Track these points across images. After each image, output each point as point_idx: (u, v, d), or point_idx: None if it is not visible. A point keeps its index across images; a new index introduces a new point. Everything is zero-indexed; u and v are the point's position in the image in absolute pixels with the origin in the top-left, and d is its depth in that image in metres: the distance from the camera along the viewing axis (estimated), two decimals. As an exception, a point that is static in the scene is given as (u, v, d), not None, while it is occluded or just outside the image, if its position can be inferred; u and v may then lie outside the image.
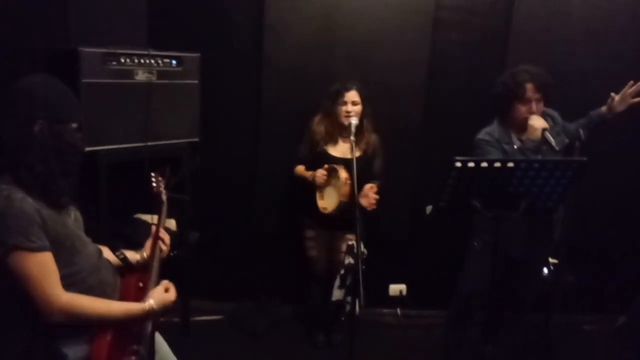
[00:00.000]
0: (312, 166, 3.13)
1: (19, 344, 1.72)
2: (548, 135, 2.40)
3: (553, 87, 2.59)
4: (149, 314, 1.75)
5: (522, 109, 2.57)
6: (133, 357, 1.75)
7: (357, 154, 3.09)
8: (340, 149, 3.17)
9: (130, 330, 1.76)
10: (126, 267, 1.95)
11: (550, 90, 2.59)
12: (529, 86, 2.54)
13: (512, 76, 2.60)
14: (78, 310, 1.61)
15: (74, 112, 1.70)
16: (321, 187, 3.09)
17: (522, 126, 2.60)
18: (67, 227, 1.67)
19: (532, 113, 2.55)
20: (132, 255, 2.02)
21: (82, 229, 1.80)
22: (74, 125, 1.68)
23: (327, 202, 3.09)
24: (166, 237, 2.04)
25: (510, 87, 2.59)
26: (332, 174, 3.06)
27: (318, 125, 3.16)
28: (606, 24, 3.42)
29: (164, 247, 2.02)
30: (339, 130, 3.14)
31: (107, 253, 1.92)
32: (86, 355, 1.66)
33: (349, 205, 2.90)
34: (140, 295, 1.82)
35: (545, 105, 2.63)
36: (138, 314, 1.73)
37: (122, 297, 1.80)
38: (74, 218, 1.76)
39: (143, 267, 1.98)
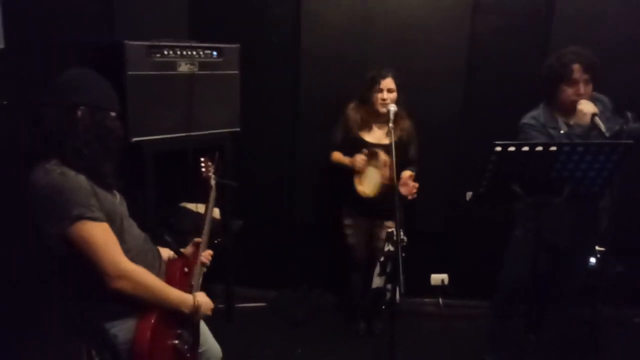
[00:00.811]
0: (348, 152, 3.13)
1: (71, 323, 1.81)
2: (598, 120, 2.30)
3: (600, 69, 2.49)
4: (195, 310, 1.82)
5: (569, 91, 2.48)
6: (176, 341, 1.81)
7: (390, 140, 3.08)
8: (375, 135, 3.16)
9: (174, 315, 1.81)
10: (173, 251, 2.01)
11: (598, 73, 2.49)
12: (576, 67, 2.46)
13: (558, 58, 2.52)
14: (142, 280, 1.68)
15: (113, 101, 1.79)
16: (360, 172, 3.09)
17: (570, 110, 2.51)
18: (115, 205, 1.75)
19: (579, 95, 2.46)
20: (165, 253, 2.05)
21: (127, 213, 1.87)
22: (113, 114, 1.77)
23: (367, 186, 3.09)
24: (207, 255, 2.09)
25: (556, 69, 2.50)
26: (371, 158, 3.06)
27: (353, 112, 3.16)
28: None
29: (206, 261, 2.08)
30: (374, 117, 3.13)
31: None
32: (132, 336, 1.72)
33: (388, 190, 2.90)
34: (184, 280, 1.88)
35: (594, 88, 2.54)
36: (189, 305, 1.81)
37: (168, 279, 1.86)
38: (119, 202, 1.83)
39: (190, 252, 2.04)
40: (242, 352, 3.19)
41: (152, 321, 1.73)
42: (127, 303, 1.69)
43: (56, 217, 1.59)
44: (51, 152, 1.64)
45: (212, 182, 2.18)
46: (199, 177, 2.17)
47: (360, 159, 3.02)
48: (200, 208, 2.17)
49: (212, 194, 2.16)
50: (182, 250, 2.07)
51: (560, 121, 2.57)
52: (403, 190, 2.87)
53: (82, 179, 1.62)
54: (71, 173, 1.61)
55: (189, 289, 1.88)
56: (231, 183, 2.57)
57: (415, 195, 2.88)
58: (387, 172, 2.91)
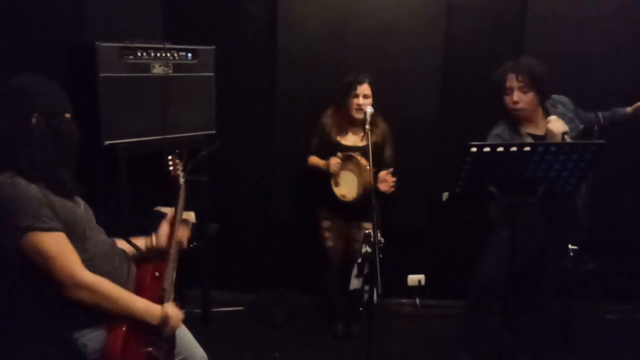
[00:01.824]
0: (325, 157, 3.14)
1: (38, 337, 1.75)
2: (568, 139, 2.37)
3: (544, 75, 2.54)
4: (164, 321, 1.76)
5: (507, 99, 2.58)
6: (150, 348, 1.77)
7: (366, 143, 3.10)
8: (351, 139, 3.18)
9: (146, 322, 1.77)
10: (140, 255, 1.96)
11: (542, 79, 2.54)
12: (511, 76, 2.55)
13: (497, 70, 2.62)
14: (101, 292, 1.63)
15: (66, 103, 1.74)
16: (335, 176, 3.10)
17: (522, 119, 2.58)
18: (76, 214, 1.69)
19: (515, 103, 2.54)
20: (141, 242, 2.03)
21: (92, 219, 1.82)
22: (68, 115, 1.73)
23: (345, 189, 3.10)
24: (184, 234, 2.05)
25: (495, 80, 2.61)
26: (347, 161, 3.07)
27: (328, 118, 3.19)
28: (625, 5, 3.34)
29: (183, 239, 2.04)
30: (349, 122, 3.15)
31: (121, 244, 1.93)
32: (103, 345, 1.68)
33: (367, 192, 2.91)
34: (156, 285, 1.84)
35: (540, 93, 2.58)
36: (155, 315, 1.75)
37: (138, 285, 1.82)
38: (83, 209, 1.78)
39: (160, 255, 1.99)
40: (220, 356, 3.14)
41: (124, 329, 1.68)
42: (95, 312, 1.65)
43: (7, 229, 1.55)
44: (6, 163, 1.60)
45: (181, 180, 2.13)
46: (167, 175, 2.12)
47: (335, 162, 3.03)
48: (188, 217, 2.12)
49: (182, 193, 2.12)
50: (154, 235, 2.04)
51: (524, 133, 2.62)
52: (382, 186, 2.89)
53: (33, 189, 1.57)
54: (22, 183, 1.57)
55: (161, 294, 1.84)
56: (201, 178, 2.52)
57: (393, 189, 2.89)
58: (368, 175, 2.93)
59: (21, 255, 1.56)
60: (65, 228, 1.62)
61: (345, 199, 3.08)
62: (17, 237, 1.54)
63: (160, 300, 1.81)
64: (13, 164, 1.59)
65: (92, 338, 1.68)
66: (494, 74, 2.64)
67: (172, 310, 1.81)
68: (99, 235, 1.79)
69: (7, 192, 1.55)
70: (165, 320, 1.76)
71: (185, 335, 2.07)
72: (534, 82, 2.53)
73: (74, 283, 1.58)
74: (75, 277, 1.58)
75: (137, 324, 1.72)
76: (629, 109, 2.70)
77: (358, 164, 3.01)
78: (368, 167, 2.92)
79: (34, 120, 1.62)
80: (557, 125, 2.44)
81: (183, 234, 2.06)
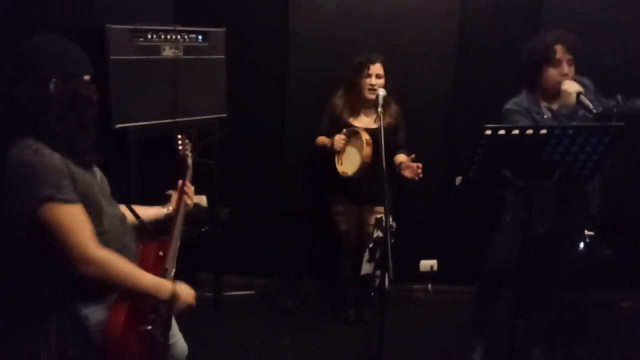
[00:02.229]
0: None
1: (41, 302, 1.75)
2: (584, 99, 2.29)
3: (581, 51, 2.47)
4: (173, 298, 1.76)
5: (554, 72, 2.46)
6: (149, 326, 1.77)
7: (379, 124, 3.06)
8: (363, 121, 3.14)
9: (148, 300, 1.76)
10: (147, 234, 1.95)
11: (580, 55, 2.47)
12: (559, 47, 2.44)
13: (540, 39, 2.50)
14: (112, 266, 1.62)
15: (85, 64, 1.69)
16: (340, 153, 3.07)
17: (553, 93, 2.49)
18: (94, 186, 1.68)
19: (563, 75, 2.44)
20: (159, 211, 2.03)
21: (108, 191, 1.81)
22: (87, 77, 1.68)
23: (347, 166, 3.08)
24: (190, 190, 2.05)
25: (538, 50, 2.48)
26: (351, 137, 3.04)
27: (339, 99, 3.14)
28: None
29: (189, 201, 2.03)
30: (361, 103, 3.10)
31: (122, 209, 1.90)
32: (104, 319, 1.68)
33: (370, 170, 2.88)
34: (158, 264, 1.83)
35: (575, 71, 2.51)
36: (165, 293, 1.74)
37: (141, 263, 1.81)
38: (100, 179, 1.77)
39: (165, 233, 1.98)
40: (231, 340, 3.17)
41: (126, 304, 1.68)
42: (101, 285, 1.64)
43: (26, 197, 1.53)
44: (26, 130, 1.57)
45: (189, 160, 2.11)
46: (175, 155, 2.10)
47: (339, 138, 3.00)
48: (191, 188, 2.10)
49: (189, 173, 2.10)
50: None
51: (543, 106, 2.54)
52: (407, 173, 2.85)
53: (56, 158, 1.55)
54: (46, 151, 1.54)
55: (163, 273, 1.83)
56: (209, 162, 2.50)
57: (421, 176, 2.85)
58: (368, 151, 2.89)
59: (35, 225, 1.55)
60: (83, 199, 1.60)
61: (346, 175, 3.06)
62: (36, 205, 1.52)
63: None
64: (32, 131, 1.57)
65: (94, 310, 1.68)
66: (531, 44, 2.53)
67: (184, 288, 1.80)
68: (113, 209, 1.77)
69: (30, 160, 1.52)
70: (174, 297, 1.76)
71: (173, 323, 2.07)
72: (576, 57, 2.46)
73: (85, 258, 1.57)
74: (87, 252, 1.57)
75: (141, 300, 1.72)
76: None
77: (360, 139, 2.97)
78: (369, 144, 2.89)
79: (52, 87, 1.58)
80: (571, 85, 2.36)
81: (189, 201, 2.05)
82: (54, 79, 1.59)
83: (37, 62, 1.59)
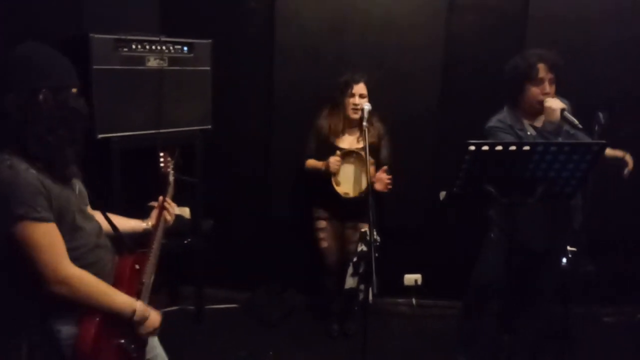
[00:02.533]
0: (322, 159, 3.10)
1: (13, 316, 1.71)
2: (568, 115, 2.31)
3: (563, 70, 2.50)
4: (142, 319, 1.73)
5: (536, 90, 2.49)
6: (122, 340, 1.73)
7: (363, 143, 3.06)
8: (347, 141, 3.16)
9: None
10: (124, 247, 1.91)
11: (561, 73, 2.50)
12: (541, 66, 2.47)
13: (523, 57, 2.52)
14: (83, 285, 1.59)
15: (73, 76, 1.67)
16: (336, 175, 3.06)
17: (535, 111, 2.51)
18: (70, 202, 1.65)
19: (546, 94, 2.46)
20: (138, 224, 2.01)
21: (86, 203, 1.78)
22: (74, 90, 1.66)
23: (347, 186, 3.08)
24: (171, 207, 2.04)
25: (521, 69, 2.50)
26: (347, 157, 3.05)
27: (324, 120, 3.15)
28: (629, 3, 3.31)
29: (169, 217, 2.02)
30: (346, 123, 3.11)
31: (99, 217, 1.88)
32: (77, 332, 1.64)
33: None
34: (134, 278, 1.81)
35: (560, 89, 2.53)
36: (133, 310, 1.71)
37: (117, 277, 1.78)
38: (78, 192, 1.74)
39: (142, 247, 1.96)
40: (214, 353, 3.12)
41: (98, 318, 1.65)
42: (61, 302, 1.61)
43: (0, 214, 1.50)
44: (8, 141, 1.54)
45: (171, 178, 2.12)
46: (157, 172, 2.10)
47: (334, 160, 2.99)
48: (172, 205, 2.09)
49: (170, 190, 2.10)
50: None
51: (526, 123, 2.57)
52: (378, 185, 2.87)
53: (31, 175, 1.52)
54: (21, 167, 1.51)
55: (139, 287, 1.80)
56: (190, 179, 2.50)
57: (390, 187, 2.85)
58: (373, 170, 2.91)
59: (9, 241, 1.52)
60: (57, 216, 1.57)
61: (348, 197, 3.06)
62: (9, 223, 1.50)
63: (137, 294, 1.78)
64: (16, 141, 1.54)
65: (66, 324, 1.64)
66: (514, 62, 2.56)
67: (153, 314, 1.78)
68: (89, 223, 1.74)
69: (4, 175, 1.49)
70: (142, 318, 1.73)
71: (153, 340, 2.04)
72: (558, 76, 2.49)
73: (56, 278, 1.54)
74: (59, 272, 1.55)
75: (113, 315, 1.69)
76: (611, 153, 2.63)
77: (359, 159, 2.98)
78: (372, 163, 2.90)
79: (41, 97, 1.56)
80: (554, 102, 2.39)
81: (169, 217, 2.03)
82: (44, 90, 1.56)
83: (27, 72, 1.57)
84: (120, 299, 1.69)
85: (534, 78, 2.48)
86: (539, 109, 2.47)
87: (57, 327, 1.64)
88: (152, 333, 1.82)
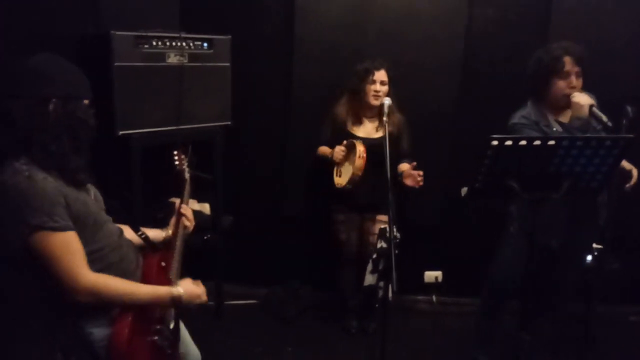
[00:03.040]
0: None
1: (44, 323, 1.73)
2: (597, 111, 2.25)
3: (588, 64, 2.43)
4: (176, 301, 1.72)
5: (562, 84, 2.43)
6: (156, 337, 1.74)
7: (381, 133, 3.03)
8: (365, 129, 3.12)
9: (153, 310, 1.75)
10: (148, 246, 1.94)
11: (587, 67, 2.44)
12: (567, 59, 2.41)
13: (548, 51, 2.46)
14: (104, 290, 1.60)
15: (85, 88, 1.69)
16: (339, 164, 3.04)
17: (561, 105, 2.46)
18: (88, 205, 1.66)
19: (572, 88, 2.41)
20: (158, 234, 2.02)
21: (102, 207, 1.80)
22: (86, 102, 1.67)
23: (343, 178, 3.07)
24: (189, 213, 2.03)
25: (546, 62, 2.44)
26: (351, 149, 3.02)
27: (343, 106, 3.11)
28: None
29: (188, 223, 2.02)
30: (364, 110, 3.08)
31: (128, 232, 1.91)
32: (110, 333, 1.65)
33: (371, 178, 2.92)
34: (162, 275, 1.81)
35: (587, 82, 2.47)
36: (165, 298, 1.71)
37: (144, 276, 1.79)
38: (93, 197, 1.75)
39: (165, 246, 1.98)
40: (232, 349, 3.13)
41: (130, 317, 1.66)
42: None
43: (17, 224, 1.51)
44: (16, 148, 1.55)
45: (186, 175, 2.13)
46: (172, 170, 2.11)
47: (338, 149, 2.97)
48: (191, 204, 2.10)
49: (187, 188, 2.11)
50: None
51: (551, 119, 2.51)
52: (409, 181, 2.82)
53: (49, 184, 1.53)
54: (39, 176, 1.52)
55: (167, 284, 1.80)
56: (206, 176, 2.51)
57: (422, 184, 2.83)
58: (361, 163, 2.87)
59: (27, 251, 1.54)
60: (76, 221, 1.58)
61: (339, 187, 3.05)
62: (26, 233, 1.51)
63: None
64: (26, 150, 1.55)
65: (98, 326, 1.66)
66: (539, 55, 2.50)
67: (187, 286, 1.76)
68: (107, 224, 1.75)
69: (23, 186, 1.50)
70: (177, 299, 1.72)
71: (183, 332, 2.05)
72: (584, 70, 2.43)
73: (76, 287, 1.55)
74: (78, 281, 1.55)
75: (145, 311, 1.70)
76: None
77: (357, 151, 2.95)
78: (363, 155, 2.88)
79: (51, 107, 1.57)
80: (582, 98, 2.33)
81: (188, 223, 2.04)
82: (54, 99, 1.58)
83: (38, 81, 1.58)
84: (146, 291, 1.69)
85: (560, 71, 2.42)
86: (566, 103, 2.41)
87: (89, 330, 1.65)
88: (202, 300, 1.80)
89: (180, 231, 1.97)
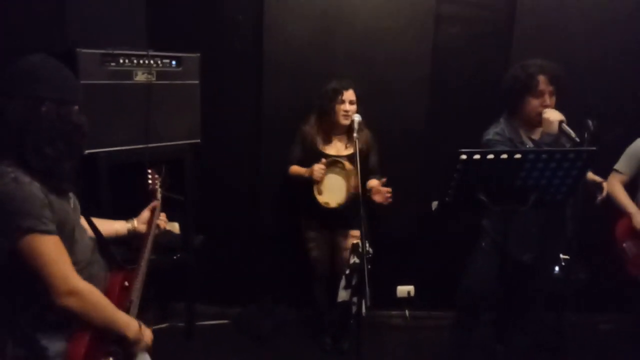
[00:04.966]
0: (308, 165, 3.08)
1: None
2: (566, 127, 2.29)
3: (566, 81, 2.48)
4: (139, 338, 1.72)
5: (535, 102, 2.45)
6: (111, 358, 1.69)
7: (351, 150, 3.06)
8: (335, 147, 3.15)
9: (111, 335, 1.70)
10: (114, 264, 1.89)
11: (564, 84, 2.47)
12: (542, 78, 2.44)
13: (523, 68, 2.48)
14: (91, 301, 1.58)
15: (78, 94, 1.66)
16: (319, 183, 3.04)
17: (533, 122, 2.49)
18: (69, 215, 1.63)
19: (545, 107, 2.43)
20: (122, 225, 2.02)
21: (79, 217, 1.76)
22: (76, 107, 1.64)
23: (329, 196, 3.05)
24: (163, 215, 2.07)
25: (521, 80, 2.46)
26: (331, 166, 3.02)
27: (311, 126, 3.13)
28: (612, 15, 3.36)
29: (162, 224, 2.04)
30: (333, 129, 3.11)
31: (102, 225, 1.88)
32: (64, 350, 1.61)
33: (354, 200, 2.88)
34: (124, 295, 1.78)
35: (559, 99, 2.51)
36: (133, 330, 1.70)
37: (107, 294, 1.74)
38: (73, 205, 1.71)
39: (131, 239, 1.98)
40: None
41: (87, 335, 1.62)
42: (69, 316, 1.58)
43: (5, 228, 1.47)
44: (7, 150, 1.51)
45: (158, 195, 2.13)
46: (145, 189, 2.11)
47: (318, 168, 2.97)
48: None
49: (158, 207, 2.10)
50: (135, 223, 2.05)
51: (523, 135, 2.55)
52: (377, 198, 2.86)
53: (35, 188, 1.50)
54: (25, 179, 1.49)
55: (128, 305, 1.78)
56: (177, 197, 2.50)
57: (390, 201, 2.86)
58: (355, 181, 2.88)
59: (12, 256, 1.49)
60: (59, 229, 1.55)
61: (329, 207, 3.03)
62: (16, 237, 1.47)
63: (126, 312, 1.76)
64: (17, 151, 1.51)
65: (54, 341, 1.61)
66: (514, 72, 2.52)
67: (146, 330, 1.77)
68: (84, 237, 1.72)
69: (9, 188, 1.46)
70: (139, 337, 1.72)
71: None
72: (559, 88, 2.46)
73: (67, 290, 1.52)
74: (69, 284, 1.53)
75: (101, 333, 1.66)
76: (591, 177, 2.62)
77: (344, 169, 2.97)
78: (355, 172, 2.89)
79: (44, 108, 1.53)
80: (553, 114, 2.36)
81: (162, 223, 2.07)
82: (47, 101, 1.54)
83: (32, 81, 1.54)
84: (122, 316, 1.68)
85: (534, 90, 2.44)
86: (538, 121, 2.44)
87: (44, 343, 1.60)
88: (145, 350, 1.79)
89: (153, 231, 1.98)
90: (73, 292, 1.53)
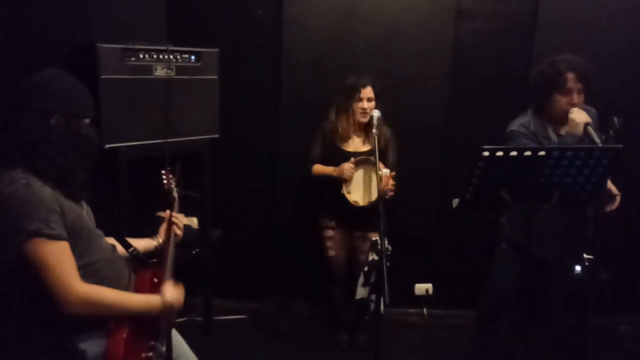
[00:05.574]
0: (328, 164, 3.06)
1: (35, 341, 1.70)
2: (591, 130, 2.23)
3: (593, 77, 2.42)
4: (166, 308, 1.74)
5: (563, 100, 2.40)
6: (150, 353, 1.73)
7: (369, 147, 3.03)
8: (353, 144, 3.11)
9: (146, 326, 1.73)
10: (139, 262, 1.92)
11: (591, 81, 2.42)
12: (570, 75, 2.38)
13: (551, 65, 2.43)
14: (96, 301, 1.59)
15: (88, 107, 1.71)
16: (348, 182, 3.01)
17: (560, 119, 2.44)
18: (82, 218, 1.66)
19: (573, 105, 2.38)
20: (148, 243, 2.03)
21: (94, 223, 1.79)
22: (87, 120, 1.69)
23: (357, 195, 3.02)
24: (179, 221, 2.05)
25: (549, 77, 2.41)
26: (359, 165, 2.99)
27: (330, 124, 3.10)
28: (635, 8, 3.27)
29: (179, 232, 2.03)
30: (352, 127, 3.07)
31: (118, 248, 1.90)
32: (104, 350, 1.64)
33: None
34: (154, 291, 1.80)
35: (586, 97, 2.46)
36: (156, 307, 1.72)
37: (137, 292, 1.79)
38: (86, 213, 1.75)
39: (157, 256, 1.98)
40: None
41: (124, 334, 1.65)
42: (92, 317, 1.61)
43: (13, 230, 1.50)
44: (20, 159, 1.56)
45: (175, 194, 2.15)
46: (160, 189, 2.13)
47: (348, 166, 2.94)
48: (179, 218, 2.11)
49: (176, 205, 2.13)
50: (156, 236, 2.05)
51: (550, 130, 2.50)
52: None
53: (46, 192, 1.53)
54: (36, 184, 1.53)
55: None
56: (193, 194, 2.52)
57: (391, 194, 2.82)
58: (387, 180, 2.87)
59: (20, 260, 1.52)
60: (71, 232, 1.58)
61: (358, 205, 3.00)
62: (21, 239, 1.49)
63: None
64: (28, 161, 1.56)
65: (91, 344, 1.64)
66: (542, 68, 2.47)
67: (171, 293, 1.77)
68: (100, 239, 1.76)
69: (20, 192, 1.50)
70: (167, 306, 1.74)
71: (180, 342, 2.05)
72: (587, 85, 2.41)
73: (68, 298, 1.54)
74: (70, 292, 1.54)
75: (139, 328, 1.69)
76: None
77: (373, 169, 2.94)
78: (386, 172, 2.86)
79: (52, 121, 1.59)
80: (579, 115, 2.30)
81: (179, 232, 2.07)
82: (56, 115, 1.60)
83: (42, 95, 1.60)
84: (138, 300, 1.71)
85: (562, 87, 2.39)
86: (565, 119, 2.39)
87: (82, 348, 1.63)
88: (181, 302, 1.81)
89: (172, 240, 1.98)
90: (75, 301, 1.55)
